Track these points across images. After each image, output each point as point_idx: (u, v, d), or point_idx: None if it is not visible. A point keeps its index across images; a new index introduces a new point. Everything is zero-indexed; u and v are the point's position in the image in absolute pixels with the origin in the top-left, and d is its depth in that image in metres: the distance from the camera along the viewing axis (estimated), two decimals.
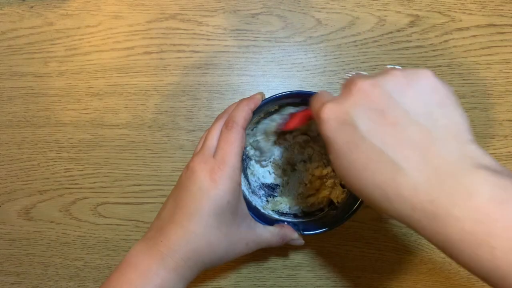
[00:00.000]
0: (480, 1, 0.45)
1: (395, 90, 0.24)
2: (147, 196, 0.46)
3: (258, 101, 0.35)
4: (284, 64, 0.45)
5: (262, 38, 0.46)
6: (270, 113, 0.40)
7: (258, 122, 0.41)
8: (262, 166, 0.43)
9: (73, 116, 0.46)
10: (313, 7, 0.46)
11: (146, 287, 0.30)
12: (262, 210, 0.41)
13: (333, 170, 0.41)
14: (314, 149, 0.43)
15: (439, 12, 0.45)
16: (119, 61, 0.46)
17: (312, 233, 0.37)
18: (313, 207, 0.41)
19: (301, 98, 0.37)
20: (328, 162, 0.42)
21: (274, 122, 0.40)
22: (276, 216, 0.41)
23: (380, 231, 0.44)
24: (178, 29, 0.46)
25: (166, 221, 0.32)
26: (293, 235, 0.37)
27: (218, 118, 0.36)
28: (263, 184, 0.43)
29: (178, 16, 0.46)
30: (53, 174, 0.46)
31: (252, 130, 0.41)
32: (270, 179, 0.44)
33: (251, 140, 0.42)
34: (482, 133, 0.45)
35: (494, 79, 0.45)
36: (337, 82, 0.45)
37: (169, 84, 0.46)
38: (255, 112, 0.35)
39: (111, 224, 0.46)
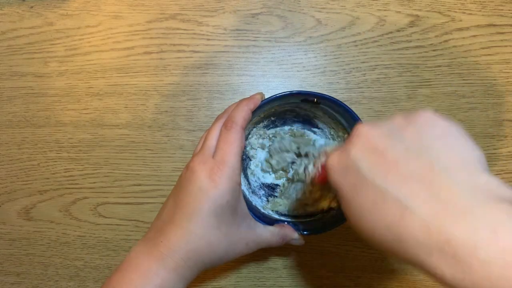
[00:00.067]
0: (480, 1, 0.45)
1: (394, 131, 0.24)
2: (147, 196, 0.46)
3: (257, 101, 0.35)
4: (284, 64, 0.45)
5: (262, 38, 0.46)
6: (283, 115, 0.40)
7: (267, 127, 0.41)
8: (264, 171, 0.43)
9: (73, 116, 0.46)
10: (313, 7, 0.46)
11: (146, 287, 0.30)
12: (262, 210, 0.41)
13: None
14: None
15: (439, 12, 0.45)
16: (119, 61, 0.46)
17: (312, 233, 0.37)
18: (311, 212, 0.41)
19: (302, 98, 0.37)
20: None
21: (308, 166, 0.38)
22: (276, 216, 0.41)
23: None
24: (178, 29, 0.46)
25: (166, 221, 0.32)
26: (293, 235, 0.37)
27: (217, 118, 0.36)
28: (263, 184, 0.43)
29: (178, 16, 0.46)
30: (53, 174, 0.46)
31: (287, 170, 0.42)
32: (270, 179, 0.44)
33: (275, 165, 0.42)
34: (482, 133, 0.45)
35: (494, 79, 0.45)
36: (337, 82, 0.45)
37: (169, 84, 0.46)
38: (254, 112, 0.35)
39: (111, 224, 0.46)
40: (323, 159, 0.34)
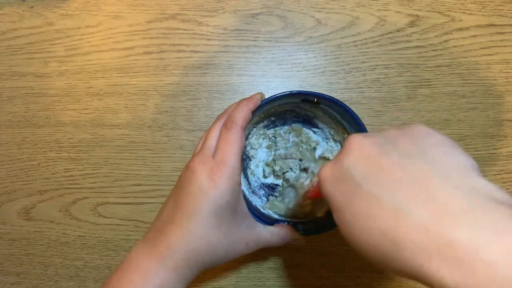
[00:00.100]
0: (480, 1, 0.45)
1: (388, 140, 0.24)
2: (147, 196, 0.46)
3: (257, 101, 0.35)
4: (284, 64, 0.45)
5: (262, 38, 0.46)
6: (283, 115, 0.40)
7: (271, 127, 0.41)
8: (265, 176, 0.44)
9: (73, 116, 0.46)
10: (313, 7, 0.45)
11: (146, 287, 0.30)
12: (262, 210, 0.41)
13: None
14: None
15: (439, 12, 0.45)
16: (119, 61, 0.46)
17: (312, 234, 0.37)
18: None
19: (302, 98, 0.37)
20: None
21: (304, 177, 0.39)
22: (276, 216, 0.41)
23: None
24: (178, 29, 0.46)
25: (166, 221, 0.32)
26: (293, 235, 0.37)
27: (218, 118, 0.36)
28: (263, 184, 0.43)
29: (178, 16, 0.46)
30: (53, 174, 0.46)
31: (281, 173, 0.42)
32: (270, 179, 0.44)
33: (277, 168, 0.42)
34: (482, 133, 0.45)
35: (494, 79, 0.45)
36: (337, 82, 0.45)
37: (169, 84, 0.46)
38: (254, 112, 0.35)
39: (111, 224, 0.46)
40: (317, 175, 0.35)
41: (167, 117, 0.46)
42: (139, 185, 0.46)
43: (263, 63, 0.46)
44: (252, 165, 0.43)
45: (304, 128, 0.43)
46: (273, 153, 0.43)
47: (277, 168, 0.42)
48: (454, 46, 0.45)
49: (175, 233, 0.31)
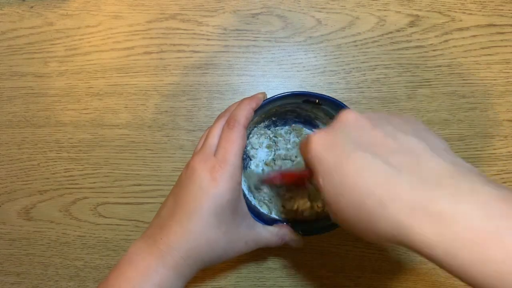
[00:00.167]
0: (480, 1, 0.45)
1: (381, 118, 0.26)
2: (147, 196, 0.45)
3: (260, 101, 0.35)
4: (284, 64, 0.45)
5: (262, 38, 0.46)
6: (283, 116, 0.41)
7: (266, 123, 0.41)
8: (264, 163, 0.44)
9: (73, 116, 0.46)
10: (313, 7, 0.46)
11: (145, 285, 0.29)
12: (261, 210, 0.41)
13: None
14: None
15: (439, 12, 0.45)
16: (119, 61, 0.46)
17: (311, 234, 0.37)
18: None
19: (302, 99, 0.37)
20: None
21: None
22: (276, 216, 0.41)
23: None
24: (178, 29, 0.46)
25: (165, 219, 0.32)
26: (292, 236, 0.37)
27: (219, 117, 0.36)
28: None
29: (178, 16, 0.46)
30: (53, 174, 0.46)
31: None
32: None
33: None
34: (482, 133, 0.45)
35: (494, 79, 0.45)
36: (337, 82, 0.45)
37: (169, 84, 0.46)
38: (256, 111, 0.35)
39: (111, 224, 0.46)
40: (281, 167, 0.39)
41: (167, 117, 0.46)
42: (139, 185, 0.46)
43: (263, 63, 0.46)
44: (252, 165, 0.43)
45: (305, 129, 0.43)
46: (273, 153, 0.43)
47: (276, 168, 0.42)
48: (454, 46, 0.45)
49: (174, 231, 0.31)
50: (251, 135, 0.42)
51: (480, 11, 0.45)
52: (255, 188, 0.41)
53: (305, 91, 0.37)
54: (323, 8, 0.45)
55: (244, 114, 0.34)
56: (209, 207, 0.31)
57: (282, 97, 0.36)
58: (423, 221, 0.20)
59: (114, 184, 0.46)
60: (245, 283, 0.45)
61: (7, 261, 0.46)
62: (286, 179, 0.37)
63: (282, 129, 0.43)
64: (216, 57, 0.46)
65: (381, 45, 0.45)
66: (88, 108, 0.46)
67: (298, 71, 0.45)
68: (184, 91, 0.46)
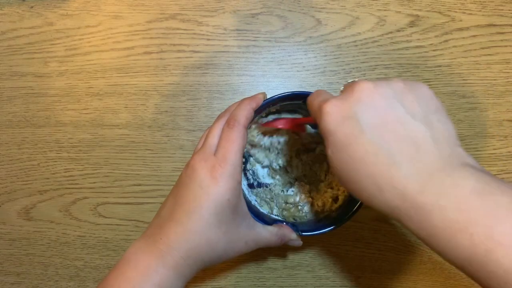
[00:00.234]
0: (480, 1, 0.45)
1: (396, 93, 0.26)
2: (147, 196, 0.46)
3: (260, 101, 0.35)
4: (284, 64, 0.45)
5: (262, 38, 0.46)
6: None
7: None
8: (263, 166, 0.43)
9: (73, 116, 0.46)
10: (313, 7, 0.46)
11: (145, 285, 0.29)
12: (261, 210, 0.41)
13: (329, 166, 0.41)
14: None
15: (439, 12, 0.45)
16: (119, 61, 0.46)
17: (310, 234, 0.37)
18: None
19: (302, 99, 0.37)
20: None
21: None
22: (276, 216, 0.41)
23: (380, 231, 0.44)
24: (178, 29, 0.46)
25: (165, 219, 0.32)
26: (292, 236, 0.37)
27: (219, 116, 0.36)
28: (262, 184, 0.43)
29: (178, 16, 0.46)
30: (53, 174, 0.46)
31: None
32: (268, 179, 0.44)
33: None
34: (482, 133, 0.45)
35: (494, 79, 0.45)
36: (337, 82, 0.45)
37: (169, 84, 0.46)
38: (256, 111, 0.35)
39: (111, 224, 0.46)
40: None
41: (167, 117, 0.46)
42: (139, 185, 0.46)
43: (263, 63, 0.46)
44: (252, 165, 0.43)
45: (308, 126, 0.43)
46: (273, 152, 0.43)
47: (275, 165, 0.42)
48: (454, 46, 0.45)
49: (174, 231, 0.31)
50: (251, 135, 0.42)
51: (480, 11, 0.45)
52: (249, 144, 0.41)
53: (305, 91, 0.37)
54: (323, 8, 0.45)
55: (244, 114, 0.34)
56: (209, 206, 0.31)
57: (282, 97, 0.36)
58: (410, 211, 0.23)
59: (114, 184, 0.46)
60: (245, 283, 0.45)
61: (7, 261, 0.46)
62: (287, 124, 0.37)
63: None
64: (216, 57, 0.46)
65: (381, 45, 0.45)
66: (88, 108, 0.46)
67: (298, 71, 0.45)
68: (184, 91, 0.46)
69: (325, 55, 0.45)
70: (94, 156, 0.46)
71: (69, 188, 0.46)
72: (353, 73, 0.45)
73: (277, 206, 0.41)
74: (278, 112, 0.41)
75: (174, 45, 0.46)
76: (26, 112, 0.46)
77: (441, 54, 0.45)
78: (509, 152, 0.44)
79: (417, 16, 0.45)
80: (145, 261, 0.30)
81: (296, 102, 0.38)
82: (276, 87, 0.45)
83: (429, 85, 0.44)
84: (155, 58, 0.46)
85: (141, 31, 0.46)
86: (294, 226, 0.38)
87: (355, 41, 0.45)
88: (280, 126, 0.38)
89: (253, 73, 0.46)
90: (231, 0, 0.46)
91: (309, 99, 0.31)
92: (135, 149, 0.46)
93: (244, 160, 0.42)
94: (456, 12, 0.45)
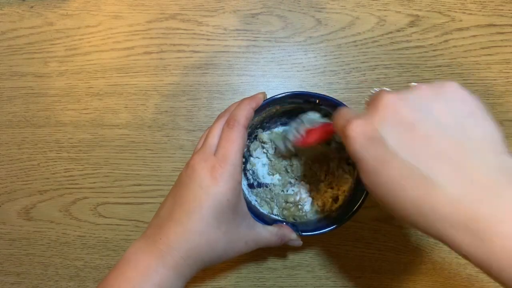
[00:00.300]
0: (480, 1, 0.45)
1: (422, 103, 0.24)
2: (147, 196, 0.46)
3: (260, 101, 0.35)
4: (284, 64, 0.45)
5: (262, 38, 0.46)
6: (284, 116, 0.41)
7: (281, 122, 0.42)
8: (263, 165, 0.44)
9: (73, 116, 0.46)
10: (313, 7, 0.46)
11: (145, 285, 0.29)
12: (261, 210, 0.41)
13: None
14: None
15: (439, 12, 0.45)
16: (119, 61, 0.46)
17: (310, 234, 0.37)
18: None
19: (303, 99, 0.37)
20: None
21: (292, 130, 0.39)
22: (276, 216, 0.41)
23: (380, 231, 0.44)
24: (178, 29, 0.46)
25: (165, 219, 0.32)
26: (292, 236, 0.37)
27: (219, 116, 0.35)
28: (262, 184, 0.43)
29: (178, 16, 0.46)
30: (53, 174, 0.46)
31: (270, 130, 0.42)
32: (268, 179, 0.44)
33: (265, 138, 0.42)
34: None
35: (494, 79, 0.45)
36: (337, 82, 0.45)
37: (169, 84, 0.46)
38: (256, 111, 0.35)
39: (111, 224, 0.46)
40: (307, 125, 0.36)
41: (167, 117, 0.46)
42: (139, 185, 0.46)
43: (263, 63, 0.46)
44: (252, 165, 0.43)
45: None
46: (272, 151, 0.43)
47: (275, 163, 0.42)
48: (454, 46, 0.45)
49: (174, 231, 0.31)
50: (251, 135, 0.42)
51: (480, 11, 0.45)
52: (285, 149, 0.40)
53: (305, 91, 0.37)
54: (323, 8, 0.45)
55: (244, 114, 0.34)
56: (209, 206, 0.31)
57: (283, 97, 0.36)
58: (466, 239, 0.20)
59: (114, 184, 0.46)
60: (245, 283, 0.45)
61: (7, 261, 0.46)
62: (315, 137, 0.35)
63: (283, 129, 0.43)
64: (216, 57, 0.46)
65: (381, 45, 0.45)
66: (88, 108, 0.46)
67: (298, 71, 0.45)
68: (184, 91, 0.46)
69: (325, 55, 0.45)
70: (94, 156, 0.46)
71: (69, 188, 0.46)
72: (353, 73, 0.45)
73: (277, 206, 0.41)
74: (278, 113, 0.41)
75: (174, 45, 0.46)
76: (26, 112, 0.46)
77: (441, 54, 0.45)
78: (509, 152, 0.44)
79: (417, 16, 0.45)
80: (145, 261, 0.30)
81: (296, 102, 0.38)
82: (276, 87, 0.45)
83: None
84: (155, 58, 0.46)
85: (141, 31, 0.46)
86: (294, 226, 0.38)
87: (355, 41, 0.45)
88: (313, 141, 0.36)
89: (253, 73, 0.46)
90: (231, 0, 0.46)
91: (334, 121, 0.29)
92: (135, 149, 0.46)
93: (244, 160, 0.42)
94: (456, 12, 0.45)
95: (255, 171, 0.43)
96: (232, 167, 0.32)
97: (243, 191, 0.39)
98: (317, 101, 0.37)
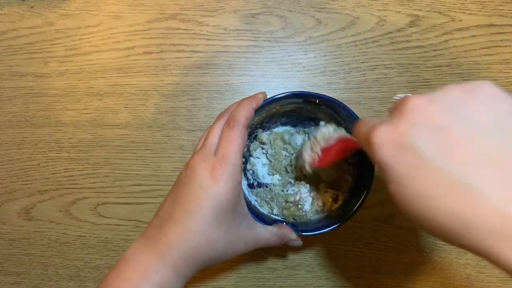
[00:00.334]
0: (480, 1, 0.45)
1: (455, 105, 0.22)
2: (147, 196, 0.46)
3: (260, 100, 0.35)
4: (284, 64, 0.45)
5: (262, 38, 0.46)
6: (284, 116, 0.41)
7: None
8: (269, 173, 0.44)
9: (73, 116, 0.46)
10: (313, 7, 0.46)
11: (144, 285, 0.29)
12: (261, 210, 0.41)
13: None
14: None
15: (439, 12, 0.45)
16: (119, 61, 0.46)
17: (310, 234, 0.37)
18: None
19: (303, 99, 0.37)
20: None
21: (308, 143, 0.37)
22: (276, 216, 0.41)
23: (380, 231, 0.44)
24: (178, 29, 0.46)
25: (165, 219, 0.32)
26: (292, 236, 0.37)
27: (219, 116, 0.35)
28: (262, 184, 0.43)
29: (178, 16, 0.46)
30: (53, 174, 0.46)
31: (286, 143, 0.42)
32: (268, 179, 0.44)
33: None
34: None
35: (494, 79, 0.44)
36: (337, 82, 0.45)
37: (169, 84, 0.46)
38: (256, 111, 0.35)
39: (111, 224, 0.46)
40: (322, 143, 0.34)
41: (167, 117, 0.46)
42: (139, 185, 0.46)
43: (263, 63, 0.46)
44: (252, 165, 0.43)
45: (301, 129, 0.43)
46: (272, 152, 0.43)
47: (274, 164, 0.42)
48: (454, 46, 0.45)
49: (174, 231, 0.31)
50: (251, 135, 0.42)
51: (480, 11, 0.45)
52: (303, 172, 0.38)
53: (305, 91, 0.37)
54: (323, 8, 0.45)
55: (244, 114, 0.34)
56: (209, 206, 0.31)
57: (282, 97, 0.36)
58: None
59: (114, 184, 0.46)
60: (245, 283, 0.45)
61: (7, 261, 0.46)
62: (332, 157, 0.34)
63: (283, 129, 0.43)
64: (216, 57, 0.46)
65: (381, 45, 0.45)
66: (88, 108, 0.46)
67: (298, 71, 0.45)
68: (184, 91, 0.46)
69: (325, 55, 0.45)
70: (94, 156, 0.46)
71: (69, 188, 0.46)
72: (353, 73, 0.45)
73: (277, 206, 0.41)
74: (278, 113, 0.41)
75: (174, 45, 0.46)
76: (26, 112, 0.46)
77: (441, 54, 0.45)
78: None
79: (417, 16, 0.45)
80: (144, 261, 0.30)
81: (296, 102, 0.38)
82: (276, 87, 0.45)
83: (429, 85, 0.45)
84: (155, 58, 0.46)
85: (141, 31, 0.46)
86: (294, 226, 0.38)
87: (355, 41, 0.45)
88: (331, 161, 0.34)
89: (253, 73, 0.46)
90: (231, 0, 0.46)
91: (355, 130, 0.27)
92: (135, 149, 0.46)
93: (244, 160, 0.42)
94: (456, 12, 0.45)
95: (255, 171, 0.43)
96: (232, 167, 0.32)
97: (243, 191, 0.39)
98: (317, 101, 0.37)
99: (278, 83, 0.45)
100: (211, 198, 0.31)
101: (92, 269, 0.46)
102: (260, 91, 0.37)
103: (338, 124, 0.39)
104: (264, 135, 0.43)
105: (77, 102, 0.46)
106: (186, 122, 0.45)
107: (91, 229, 0.46)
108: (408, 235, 0.44)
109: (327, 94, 0.36)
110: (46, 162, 0.46)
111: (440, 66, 0.45)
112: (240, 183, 0.33)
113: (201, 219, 0.31)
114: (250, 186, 0.43)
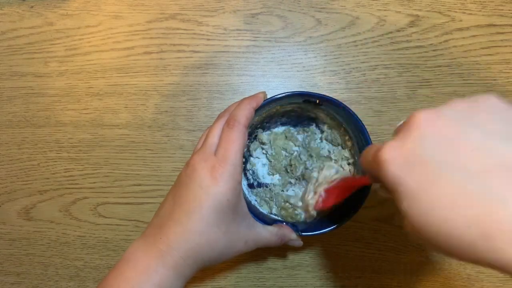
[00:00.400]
0: (480, 1, 0.45)
1: (462, 116, 0.22)
2: (147, 196, 0.46)
3: (260, 100, 0.35)
4: (284, 64, 0.45)
5: (262, 38, 0.46)
6: (284, 116, 0.41)
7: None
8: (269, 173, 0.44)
9: (73, 116, 0.46)
10: (313, 7, 0.46)
11: (144, 285, 0.29)
12: (261, 210, 0.41)
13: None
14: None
15: (439, 12, 0.45)
16: (119, 61, 0.46)
17: (310, 234, 0.37)
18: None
19: (303, 99, 0.37)
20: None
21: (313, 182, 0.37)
22: (275, 216, 0.41)
23: (380, 231, 0.44)
24: (178, 29, 0.46)
25: (165, 218, 0.32)
26: (292, 236, 0.37)
27: (219, 116, 0.35)
28: (262, 184, 0.43)
29: (178, 16, 0.46)
30: (53, 174, 0.46)
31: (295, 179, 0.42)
32: (268, 179, 0.44)
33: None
34: None
35: (494, 79, 0.45)
36: (337, 82, 0.45)
37: (169, 84, 0.46)
38: (256, 111, 0.35)
39: (111, 224, 0.46)
40: (325, 185, 0.35)
41: (167, 117, 0.46)
42: (139, 185, 0.46)
43: (263, 63, 0.46)
44: (252, 165, 0.43)
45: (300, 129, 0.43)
46: (271, 152, 0.43)
47: (275, 164, 0.42)
48: (454, 46, 0.45)
49: (174, 231, 0.31)
50: (251, 135, 0.42)
51: (480, 11, 0.45)
52: (307, 216, 0.38)
53: (305, 91, 0.37)
54: (323, 8, 0.45)
55: (244, 113, 0.34)
56: (209, 206, 0.31)
57: (282, 97, 0.36)
58: None
59: (114, 184, 0.46)
60: (245, 283, 0.45)
61: (7, 261, 0.46)
62: (335, 198, 0.34)
63: (283, 128, 0.43)
64: (216, 57, 0.46)
65: (381, 45, 0.45)
66: (88, 108, 0.46)
67: (298, 71, 0.45)
68: (184, 91, 0.46)
69: (325, 55, 0.45)
70: (94, 156, 0.46)
71: (69, 188, 0.46)
72: (353, 73, 0.45)
73: (276, 205, 0.41)
74: (278, 113, 0.41)
75: (174, 45, 0.46)
76: (26, 112, 0.46)
77: (441, 54, 0.45)
78: None
79: (417, 16, 0.45)
80: (144, 261, 0.30)
81: (296, 102, 0.38)
82: (276, 87, 0.45)
83: (429, 85, 0.45)
84: (155, 58, 0.46)
85: (141, 31, 0.46)
86: (294, 226, 0.38)
87: (355, 41, 0.45)
88: (334, 202, 0.33)
89: (253, 73, 0.46)
90: (231, 0, 0.46)
91: (361, 156, 0.27)
92: (135, 149, 0.46)
93: (244, 160, 0.42)
94: (456, 12, 0.45)
95: (255, 171, 0.43)
96: (232, 167, 0.31)
97: (243, 191, 0.39)
98: (317, 101, 0.37)
99: (278, 83, 0.45)
100: (211, 198, 0.31)
101: (92, 269, 0.46)
102: (260, 91, 0.37)
103: (339, 124, 0.39)
104: (264, 135, 0.43)
105: (77, 102, 0.46)
106: (186, 122, 0.45)
107: (91, 229, 0.46)
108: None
109: (327, 94, 0.36)
110: (46, 162, 0.46)
111: (440, 66, 0.45)
112: (240, 183, 0.33)
113: (201, 219, 0.31)
114: (250, 186, 0.43)
